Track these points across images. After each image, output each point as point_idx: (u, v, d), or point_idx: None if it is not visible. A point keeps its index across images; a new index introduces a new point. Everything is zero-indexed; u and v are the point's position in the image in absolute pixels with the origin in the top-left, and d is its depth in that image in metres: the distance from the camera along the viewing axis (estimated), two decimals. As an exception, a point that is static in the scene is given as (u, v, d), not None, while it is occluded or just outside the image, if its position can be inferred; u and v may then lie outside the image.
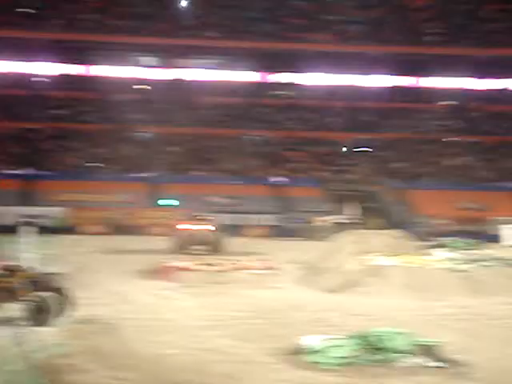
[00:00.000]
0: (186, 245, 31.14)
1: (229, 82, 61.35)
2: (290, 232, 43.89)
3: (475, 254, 27.59)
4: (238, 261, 23.83)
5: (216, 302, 18.33)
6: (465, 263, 22.46)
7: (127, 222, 45.18)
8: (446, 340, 12.93)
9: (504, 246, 41.62)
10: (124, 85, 59.08)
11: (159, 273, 22.66)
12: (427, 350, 11.69)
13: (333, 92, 62.49)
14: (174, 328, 14.66)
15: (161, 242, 32.28)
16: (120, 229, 43.51)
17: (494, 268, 22.23)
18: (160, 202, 47.95)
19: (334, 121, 61.27)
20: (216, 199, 47.97)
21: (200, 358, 12.16)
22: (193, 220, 33.14)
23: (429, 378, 10.98)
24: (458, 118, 62.42)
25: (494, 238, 44.18)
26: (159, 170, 51.86)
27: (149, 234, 41.41)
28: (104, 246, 33.19)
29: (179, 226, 32.62)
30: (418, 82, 63.90)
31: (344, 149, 57.92)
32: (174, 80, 60.67)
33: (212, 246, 31.33)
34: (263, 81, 62.17)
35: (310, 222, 43.33)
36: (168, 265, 22.90)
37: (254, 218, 46.30)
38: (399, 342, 11.71)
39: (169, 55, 60.52)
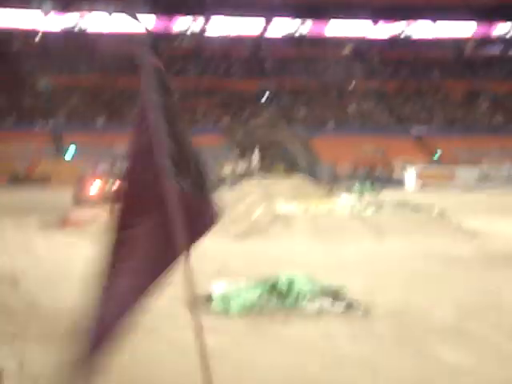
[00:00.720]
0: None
1: (129, 31, 60.35)
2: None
3: (378, 198, 28.21)
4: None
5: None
6: (368, 208, 22.91)
7: (30, 173, 44.33)
8: (351, 283, 13.19)
9: (406, 190, 42.62)
10: (22, 34, 57.52)
11: (64, 224, 22.33)
12: (333, 293, 11.89)
13: (235, 40, 62.22)
14: (79, 278, 14.45)
15: (65, 194, 31.84)
16: (22, 180, 42.68)
17: (395, 212, 22.79)
18: (65, 153, 47.20)
19: (236, 68, 61.09)
20: (122, 149, 47.47)
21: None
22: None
23: (335, 320, 11.17)
24: (359, 65, 63.07)
25: (397, 182, 45.20)
26: (62, 120, 50.92)
27: (53, 186, 40.74)
28: (5, 198, 32.54)
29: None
30: (320, 28, 64.17)
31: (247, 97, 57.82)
32: (72, 28, 59.31)
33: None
34: (164, 30, 61.40)
35: (215, 171, 43.40)
36: (71, 216, 22.60)
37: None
38: (305, 287, 11.86)
39: (66, 1, 59.13)
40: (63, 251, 18.25)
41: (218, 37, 61.33)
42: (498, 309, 12.10)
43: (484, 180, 46.95)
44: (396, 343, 10.12)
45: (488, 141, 53.80)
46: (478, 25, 66.71)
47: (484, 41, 67.93)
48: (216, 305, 11.72)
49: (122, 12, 60.47)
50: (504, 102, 61.39)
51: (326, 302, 11.63)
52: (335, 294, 11.84)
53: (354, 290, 12.74)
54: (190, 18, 60.50)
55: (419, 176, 45.86)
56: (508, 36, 68.39)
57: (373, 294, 12.89)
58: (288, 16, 61.79)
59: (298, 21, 62.76)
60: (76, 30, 58.83)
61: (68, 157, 46.26)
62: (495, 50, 68.32)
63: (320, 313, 11.37)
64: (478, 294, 13.40)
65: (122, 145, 48.19)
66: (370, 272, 15.66)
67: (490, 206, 33.10)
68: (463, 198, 36.89)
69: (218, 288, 12.20)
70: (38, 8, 58.23)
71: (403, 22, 63.95)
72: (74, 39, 57.99)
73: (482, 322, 11.25)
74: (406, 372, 8.89)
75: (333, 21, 63.18)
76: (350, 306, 11.65)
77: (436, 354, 9.69)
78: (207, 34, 61.31)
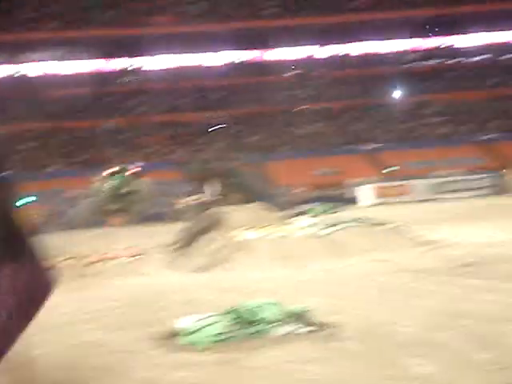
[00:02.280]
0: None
1: (74, 73, 60.27)
2: (155, 217, 43.76)
3: (334, 217, 28.42)
4: (105, 251, 23.55)
5: (85, 295, 18.09)
6: (325, 227, 23.07)
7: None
8: (314, 304, 13.26)
9: (361, 207, 42.94)
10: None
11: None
12: (297, 317, 11.95)
13: (179, 73, 62.51)
14: (43, 327, 14.29)
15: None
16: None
17: (352, 229, 22.96)
18: (18, 201, 46.77)
19: (183, 102, 61.29)
20: (76, 192, 47.25)
21: (73, 353, 11.97)
22: None
23: (302, 343, 11.22)
24: (304, 87, 63.63)
25: (352, 200, 45.56)
26: (13, 169, 50.60)
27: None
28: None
29: None
30: (261, 55, 64.67)
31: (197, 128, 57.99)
32: (16, 76, 59.03)
33: None
34: (109, 69, 61.39)
35: (172, 205, 43.35)
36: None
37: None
38: (270, 313, 11.90)
39: (9, 50, 58.86)
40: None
41: (162, 71, 61.47)
42: (465, 317, 12.25)
43: (438, 190, 47.48)
44: (365, 361, 10.20)
45: (437, 152, 54.52)
46: (415, 38, 67.76)
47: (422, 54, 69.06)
48: (182, 339, 11.71)
49: (66, 58, 60.49)
50: (449, 111, 62.31)
51: (291, 326, 11.69)
52: (299, 317, 11.90)
53: (320, 310, 12.81)
54: (132, 58, 60.63)
55: (374, 192, 46.27)
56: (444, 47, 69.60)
57: (338, 313, 12.96)
58: (231, 47, 62.20)
59: (240, 51, 63.15)
60: (20, 76, 58.55)
61: (21, 204, 45.93)
62: (432, 63, 69.43)
63: (286, 337, 11.42)
64: (445, 304, 13.56)
65: (76, 187, 48.15)
66: (334, 291, 15.74)
67: (446, 215, 33.50)
68: (420, 210, 37.28)
69: (183, 322, 12.20)
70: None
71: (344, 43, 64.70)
72: (18, 86, 57.73)
73: (450, 332, 11.38)
74: (377, 387, 8.98)
75: (275, 47, 63.69)
76: (315, 328, 11.72)
77: (406, 367, 9.79)
78: (151, 69, 61.42)
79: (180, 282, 19.01)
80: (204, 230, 23.64)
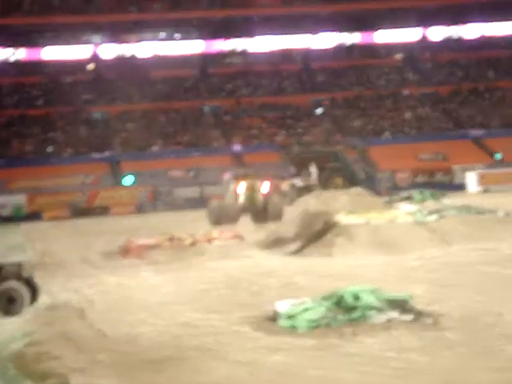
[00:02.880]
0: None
1: (179, 54, 60.80)
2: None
3: (440, 204, 27.84)
4: (206, 233, 23.72)
5: (184, 276, 18.23)
6: (430, 214, 22.57)
7: (90, 204, 44.85)
8: (416, 292, 13.00)
9: (469, 194, 42.08)
10: (74, 65, 58.36)
11: (126, 252, 22.48)
12: (399, 304, 11.70)
13: (285, 55, 62.26)
14: (143, 306, 14.54)
15: (125, 221, 32.05)
16: (83, 211, 43.18)
17: (458, 217, 22.41)
18: (123, 180, 47.61)
19: (288, 84, 61.09)
20: (178, 173, 47.78)
21: (173, 333, 12.06)
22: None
23: (403, 331, 11.02)
24: (411, 71, 62.57)
25: (460, 187, 44.61)
26: (118, 149, 51.44)
27: (113, 214, 41.13)
28: (68, 230, 32.90)
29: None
30: (368, 37, 63.70)
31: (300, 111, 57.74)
32: (124, 56, 59.90)
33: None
34: (214, 50, 61.66)
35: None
36: (134, 243, 22.73)
37: (217, 189, 46.06)
38: (370, 299, 11.70)
39: (116, 31, 59.76)
40: (127, 280, 18.33)
41: (267, 53, 61.40)
42: None
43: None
44: (469, 351, 9.91)
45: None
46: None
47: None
48: (282, 323, 11.63)
49: (172, 38, 61.12)
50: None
51: (394, 314, 11.45)
52: (402, 305, 11.65)
53: (422, 299, 12.55)
54: (237, 39, 60.62)
55: (481, 179, 45.21)
56: None
57: (442, 302, 12.67)
58: (335, 29, 61.56)
59: (346, 33, 62.41)
60: (128, 57, 59.36)
61: (126, 184, 46.70)
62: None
63: (387, 324, 11.20)
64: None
65: (178, 168, 48.73)
66: (438, 279, 15.40)
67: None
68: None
69: (282, 306, 12.10)
70: (89, 40, 59.04)
71: (453, 25, 63.16)
72: (125, 67, 58.63)
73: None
74: (481, 380, 8.70)
75: (381, 30, 62.64)
76: (418, 316, 11.46)
77: (510, 357, 9.46)
78: (255, 51, 61.39)
79: (278, 266, 18.95)
80: (304, 214, 23.35)
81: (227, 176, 31.38)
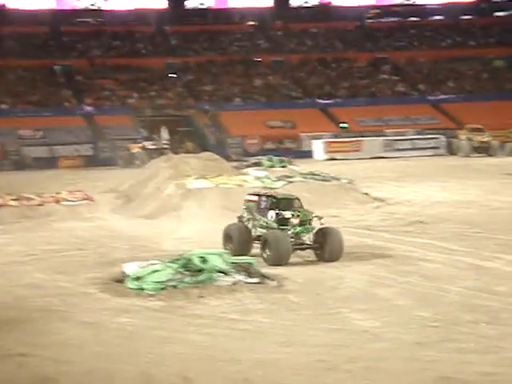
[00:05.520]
0: None
1: (30, 9, 58.84)
2: (105, 161, 43.31)
3: (288, 170, 28.44)
4: (54, 193, 23.27)
5: (30, 236, 17.95)
6: (278, 180, 23.07)
7: None
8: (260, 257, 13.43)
9: (316, 161, 43.09)
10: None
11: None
12: (244, 268, 12.03)
13: (138, 16, 61.51)
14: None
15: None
16: None
17: (305, 183, 23.02)
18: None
19: (142, 46, 60.43)
20: (27, 132, 46.62)
21: (19, 294, 11.94)
22: None
23: (249, 294, 11.35)
24: (263, 38, 63.12)
25: (307, 154, 45.65)
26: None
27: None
28: None
29: None
30: (222, 2, 63.74)
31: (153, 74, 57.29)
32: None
33: None
34: (67, 7, 60.05)
35: (124, 150, 42.95)
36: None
37: (67, 149, 45.35)
38: (218, 262, 11.96)
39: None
40: None
41: (122, 13, 60.32)
42: (407, 276, 12.47)
43: (390, 148, 47.76)
44: (310, 313, 10.37)
45: (391, 110, 54.68)
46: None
47: (385, 10, 68.81)
48: (130, 284, 11.72)
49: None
50: (405, 70, 62.39)
51: (240, 277, 11.79)
52: (246, 269, 12.00)
53: (264, 263, 13.03)
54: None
55: (327, 147, 46.38)
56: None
57: (285, 267, 13.16)
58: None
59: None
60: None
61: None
62: (394, 19, 69.11)
63: (233, 287, 11.52)
64: (389, 261, 13.82)
65: (27, 127, 47.47)
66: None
67: (396, 173, 33.76)
68: (370, 167, 37.51)
69: (130, 268, 12.19)
70: None
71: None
72: None
73: (392, 289, 11.65)
74: (319, 338, 9.16)
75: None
76: (261, 280, 11.84)
77: (348, 319, 10.00)
78: (110, 9, 60.11)
79: (127, 228, 18.96)
80: (155, 176, 23.44)
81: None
